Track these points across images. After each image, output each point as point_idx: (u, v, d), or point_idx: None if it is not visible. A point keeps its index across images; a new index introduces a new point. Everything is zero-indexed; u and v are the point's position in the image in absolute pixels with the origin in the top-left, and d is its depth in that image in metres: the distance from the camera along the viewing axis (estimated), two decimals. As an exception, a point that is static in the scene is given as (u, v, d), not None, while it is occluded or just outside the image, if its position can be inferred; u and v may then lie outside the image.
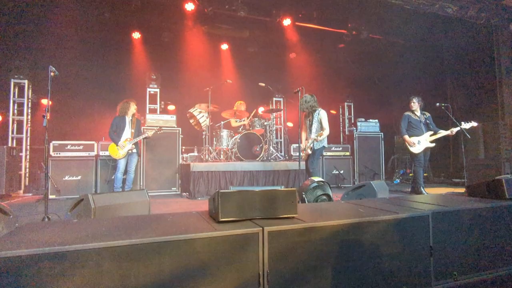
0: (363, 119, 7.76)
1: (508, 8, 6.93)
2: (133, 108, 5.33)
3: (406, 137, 5.49)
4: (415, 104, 5.59)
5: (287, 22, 7.56)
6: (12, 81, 6.24)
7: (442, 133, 5.40)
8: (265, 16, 7.56)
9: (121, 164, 5.16)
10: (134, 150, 5.26)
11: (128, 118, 5.27)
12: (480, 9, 6.84)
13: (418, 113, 5.60)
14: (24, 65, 6.32)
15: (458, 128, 5.30)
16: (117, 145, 5.10)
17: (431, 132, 5.50)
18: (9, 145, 6.06)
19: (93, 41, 6.91)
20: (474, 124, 5.33)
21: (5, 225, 2.47)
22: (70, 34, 6.59)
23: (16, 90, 6.33)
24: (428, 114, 5.69)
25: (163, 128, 5.68)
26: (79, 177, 5.63)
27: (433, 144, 5.49)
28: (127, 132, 5.21)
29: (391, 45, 8.77)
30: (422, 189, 5.46)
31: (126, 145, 5.11)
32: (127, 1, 6.64)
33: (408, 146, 5.53)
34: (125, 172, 5.30)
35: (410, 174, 7.68)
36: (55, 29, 6.61)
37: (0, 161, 5.33)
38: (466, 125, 5.30)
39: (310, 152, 4.79)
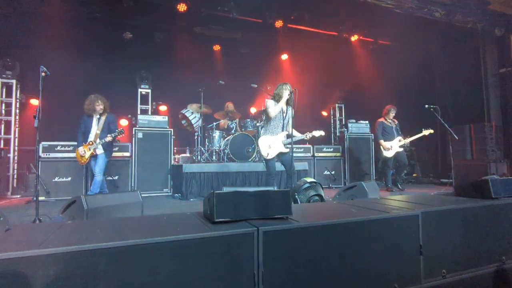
0: (353, 121, 7.85)
1: (494, 13, 7.12)
2: (98, 105, 4.66)
3: (382, 141, 6.15)
4: (393, 113, 6.26)
5: (279, 24, 7.61)
6: (0, 81, 6.13)
7: (410, 139, 6.18)
8: (257, 18, 7.59)
9: (92, 167, 4.71)
10: (99, 152, 4.64)
11: (95, 117, 4.72)
12: (467, 14, 7.02)
13: (390, 120, 6.26)
14: (12, 64, 6.21)
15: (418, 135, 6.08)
16: (77, 149, 4.61)
17: (400, 138, 6.17)
18: (-3, 146, 5.95)
19: (84, 40, 6.82)
20: (431, 131, 6.03)
21: (-5, 227, 2.43)
22: (61, 33, 6.49)
23: (4, 90, 6.22)
24: (396, 122, 6.39)
25: (155, 129, 5.64)
26: (69, 179, 5.56)
27: (402, 149, 6.22)
28: (93, 134, 4.66)
29: (381, 47, 8.90)
30: (391, 187, 6.18)
31: (87, 150, 4.57)
32: (119, 1, 6.59)
33: (383, 150, 6.15)
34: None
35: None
36: (45, 28, 6.50)
37: (-13, 162, 5.23)
38: (425, 132, 6.02)
39: (285, 150, 4.23)
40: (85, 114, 4.73)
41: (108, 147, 4.74)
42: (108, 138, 4.51)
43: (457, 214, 2.19)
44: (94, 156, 4.65)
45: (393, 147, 6.12)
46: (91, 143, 4.57)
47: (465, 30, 7.37)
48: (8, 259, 1.21)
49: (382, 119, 6.30)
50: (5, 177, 5.84)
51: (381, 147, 6.17)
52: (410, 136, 6.22)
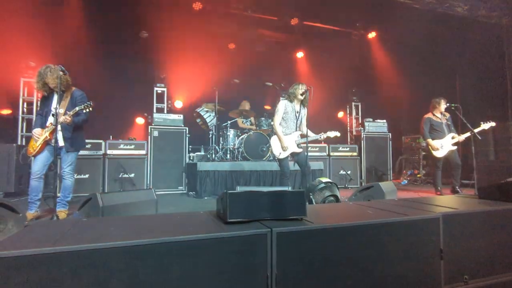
0: (370, 119, 7.69)
1: (520, 7, 6.81)
2: (52, 77, 3.51)
3: (430, 140, 5.40)
4: (443, 107, 5.48)
5: (294, 21, 7.53)
6: (22, 80, 6.32)
7: (464, 135, 5.29)
8: (272, 15, 7.54)
9: (35, 163, 3.56)
10: (61, 142, 3.56)
11: (55, 94, 3.50)
12: (491, 8, 6.74)
13: (439, 115, 5.52)
14: (34, 64, 6.39)
15: (477, 129, 5.18)
16: (32, 133, 3.55)
17: (453, 135, 5.40)
18: (19, 143, 6.14)
19: (101, 40, 6.95)
20: (492, 124, 5.22)
21: (15, 223, 2.50)
22: (78, 33, 6.63)
23: (26, 88, 6.42)
24: (448, 115, 5.59)
25: (171, 127, 5.67)
26: (86, 176, 5.67)
27: (456, 147, 5.40)
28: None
29: (399, 44, 8.68)
30: (440, 189, 5.44)
31: (41, 134, 3.50)
32: (135, 0, 6.67)
33: (431, 150, 5.41)
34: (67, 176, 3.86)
35: (418, 175, 7.61)
36: (64, 28, 6.66)
37: (9, 159, 5.40)
38: (485, 125, 5.21)
39: (299, 150, 4.18)
40: (42, 96, 3.74)
41: (75, 137, 3.67)
42: (71, 113, 3.41)
43: (481, 217, 2.09)
44: (51, 147, 3.51)
45: (444, 146, 5.34)
46: (50, 125, 3.51)
47: (488, 25, 7.09)
48: (23, 256, 1.22)
49: (429, 115, 5.55)
50: (27, 174, 6.02)
51: (430, 147, 5.43)
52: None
